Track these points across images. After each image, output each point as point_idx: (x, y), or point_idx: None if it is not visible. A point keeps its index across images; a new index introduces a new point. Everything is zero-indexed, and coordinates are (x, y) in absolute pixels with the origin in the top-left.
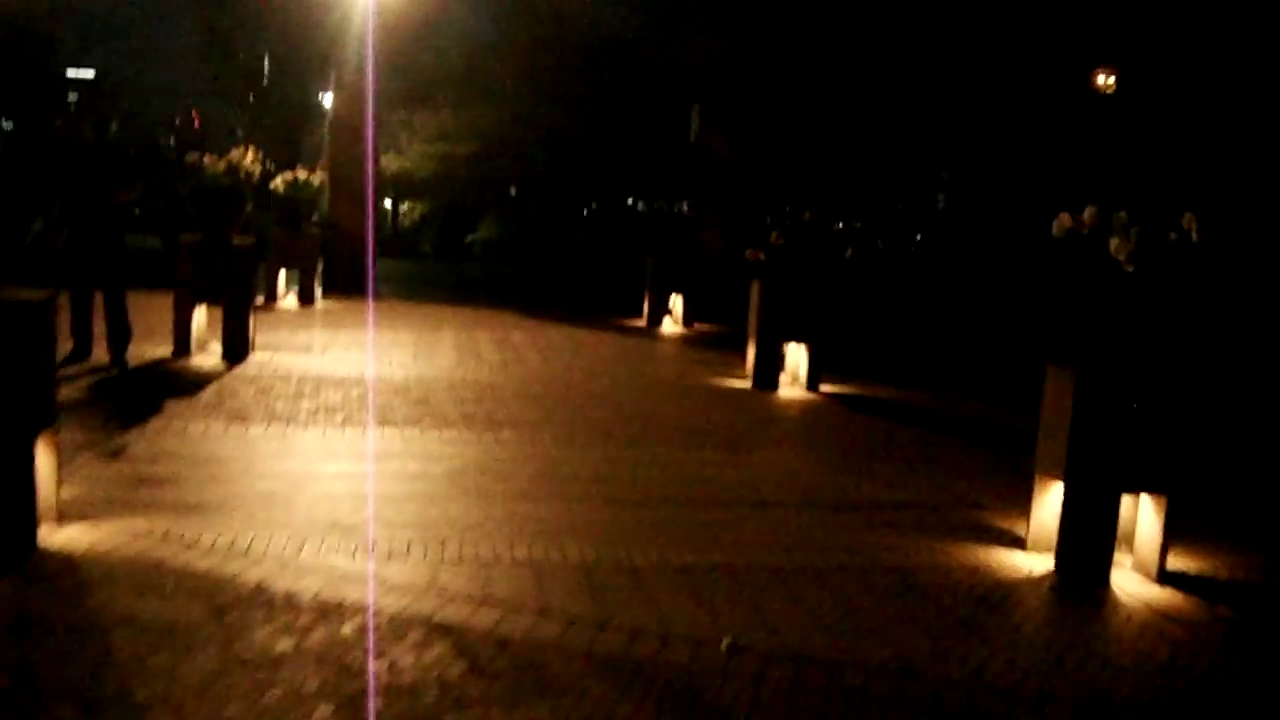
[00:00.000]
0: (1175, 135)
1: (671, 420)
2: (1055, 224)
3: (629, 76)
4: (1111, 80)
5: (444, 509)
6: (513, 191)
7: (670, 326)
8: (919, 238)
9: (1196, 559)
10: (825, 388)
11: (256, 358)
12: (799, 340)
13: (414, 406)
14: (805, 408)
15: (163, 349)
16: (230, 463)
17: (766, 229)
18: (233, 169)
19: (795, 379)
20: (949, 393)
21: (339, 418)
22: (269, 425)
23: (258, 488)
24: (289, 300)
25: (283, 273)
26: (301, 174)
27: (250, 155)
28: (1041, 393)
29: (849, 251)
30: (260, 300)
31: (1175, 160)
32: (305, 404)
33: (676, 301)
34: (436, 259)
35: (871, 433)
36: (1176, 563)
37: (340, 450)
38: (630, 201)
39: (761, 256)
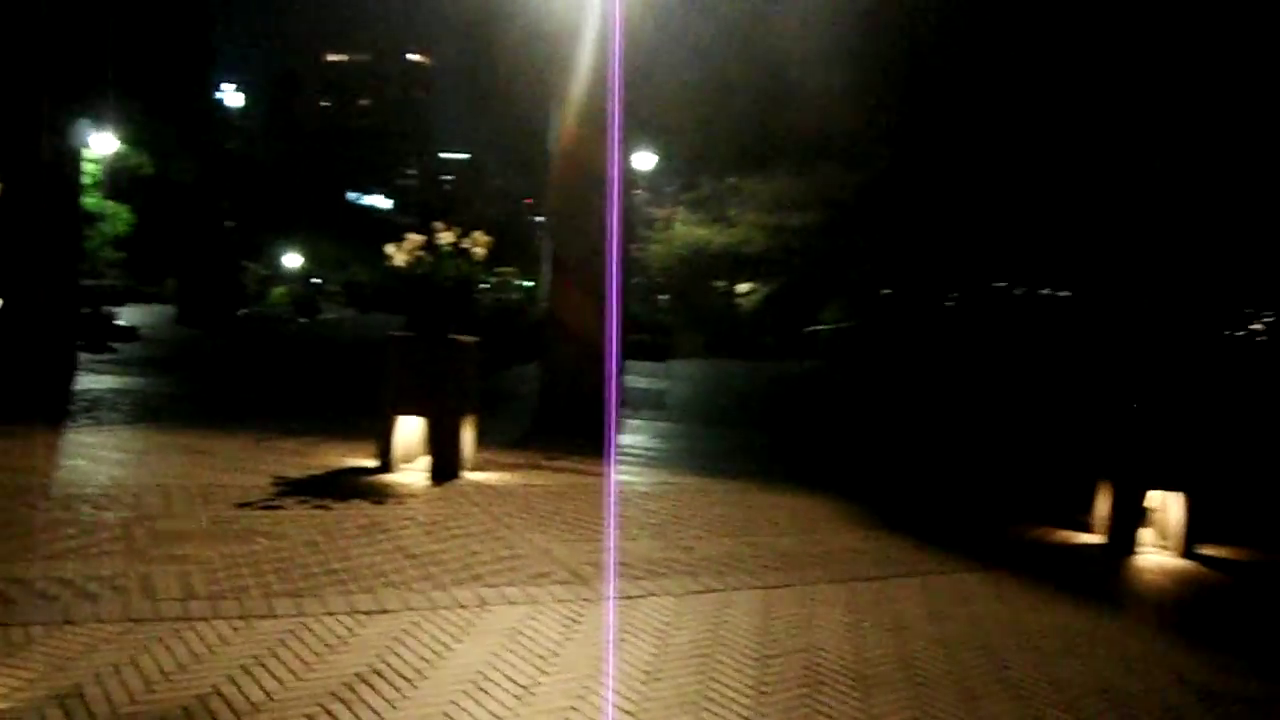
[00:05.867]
0: None
1: None
2: None
3: (1020, 106)
4: None
5: None
6: (859, 273)
7: (1154, 557)
8: None
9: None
10: None
11: None
12: None
13: None
14: None
15: None
16: None
17: None
18: None
19: None
20: None
21: None
22: None
23: None
24: (414, 471)
25: (408, 422)
26: (445, 236)
27: None
28: None
29: None
30: (374, 463)
31: None
32: None
33: (1167, 503)
34: (777, 355)
35: None
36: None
37: None
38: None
39: None
